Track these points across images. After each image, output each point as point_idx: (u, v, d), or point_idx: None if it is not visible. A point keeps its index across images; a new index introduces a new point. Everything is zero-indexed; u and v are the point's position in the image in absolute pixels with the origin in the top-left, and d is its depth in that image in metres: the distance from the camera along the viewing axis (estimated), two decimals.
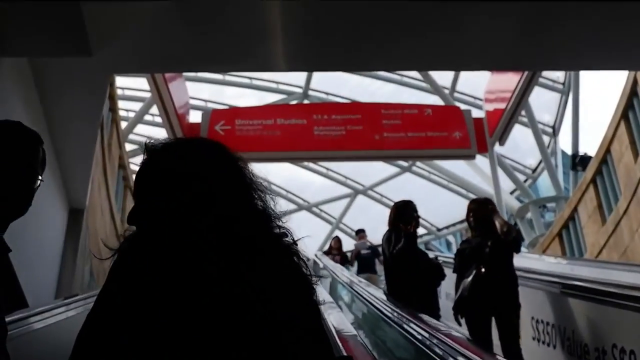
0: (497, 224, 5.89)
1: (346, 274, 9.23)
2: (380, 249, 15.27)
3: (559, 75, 18.44)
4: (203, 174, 1.60)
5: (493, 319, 5.77)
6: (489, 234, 5.80)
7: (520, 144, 20.26)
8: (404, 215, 6.16)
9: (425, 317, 4.32)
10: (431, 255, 7.59)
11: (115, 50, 6.30)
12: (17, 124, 2.28)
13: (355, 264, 14.97)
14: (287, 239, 1.72)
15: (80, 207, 8.41)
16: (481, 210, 6.03)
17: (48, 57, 6.26)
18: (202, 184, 1.59)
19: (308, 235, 1.81)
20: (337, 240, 15.78)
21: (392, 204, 19.70)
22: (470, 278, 5.70)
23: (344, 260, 15.05)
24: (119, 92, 19.31)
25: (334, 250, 15.37)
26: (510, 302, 5.73)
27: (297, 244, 1.73)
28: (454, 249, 38.55)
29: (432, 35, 6.44)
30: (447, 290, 7.57)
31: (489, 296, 5.63)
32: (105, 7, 5.70)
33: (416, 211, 6.28)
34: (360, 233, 15.52)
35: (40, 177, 2.28)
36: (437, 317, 5.83)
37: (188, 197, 1.56)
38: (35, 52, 6.12)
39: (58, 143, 7.33)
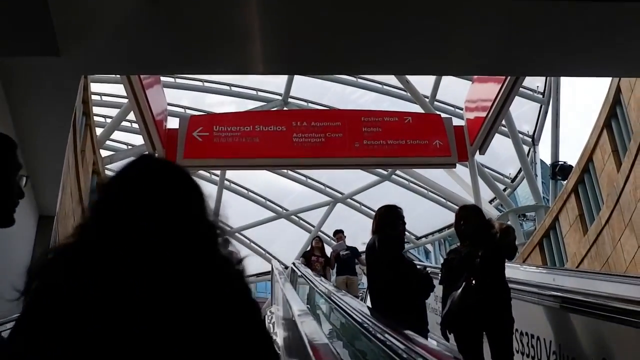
0: (497, 224, 5.63)
1: (325, 284, 8.93)
2: (358, 250, 15.14)
3: (538, 84, 18.35)
4: (148, 209, 1.55)
5: (485, 334, 5.44)
6: (480, 242, 5.49)
7: (499, 154, 20.18)
8: (389, 220, 5.84)
9: (410, 333, 4.05)
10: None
11: (86, 50, 5.98)
12: None
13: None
14: (232, 264, 1.66)
15: (50, 214, 8.10)
16: (474, 217, 5.75)
17: (11, 56, 5.93)
18: (148, 219, 1.54)
19: (247, 255, 1.72)
20: (319, 240, 15.45)
21: (371, 212, 19.65)
22: (459, 290, 5.34)
23: (326, 263, 14.75)
24: (96, 98, 19.06)
25: (317, 252, 15.05)
26: (504, 316, 5.38)
27: (241, 271, 1.67)
28: (433, 257, 38.64)
29: (413, 40, 6.19)
30: (432, 303, 7.24)
31: (480, 310, 5.28)
32: (74, 2, 5.39)
33: (402, 217, 5.95)
34: (338, 234, 15.22)
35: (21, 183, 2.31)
36: (426, 331, 5.50)
37: (129, 229, 1.51)
38: None
39: (27, 148, 7.00)
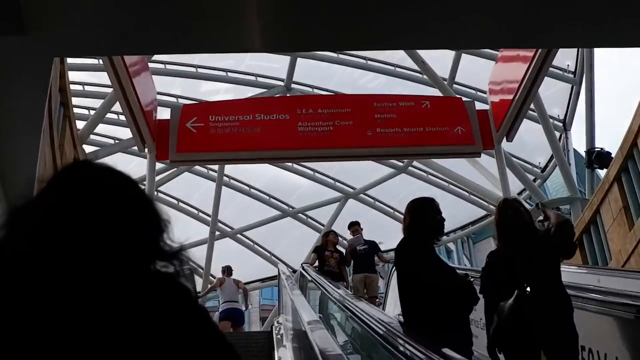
0: (552, 216, 5.22)
1: (339, 291, 8.61)
2: (378, 244, 14.80)
3: (568, 62, 18.01)
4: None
5: (543, 353, 4.99)
6: (527, 241, 5.10)
7: (526, 141, 19.83)
8: (423, 217, 5.39)
9: (450, 352, 3.69)
10: None
11: (57, 28, 5.71)
12: None
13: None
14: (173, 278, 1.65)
15: None
16: (517, 211, 5.38)
17: None
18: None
19: (193, 269, 1.72)
20: (335, 234, 15.09)
21: (387, 208, 19.34)
22: (510, 301, 4.89)
23: (342, 259, 14.40)
24: (77, 88, 18.85)
25: (330, 246, 14.70)
26: (566, 331, 4.93)
27: (184, 287, 1.66)
28: (455, 258, 38.35)
29: (425, 9, 5.87)
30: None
31: (537, 324, 4.82)
32: None
33: (439, 211, 5.48)
34: (353, 226, 14.83)
35: None
36: (470, 352, 5.06)
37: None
38: None
39: None
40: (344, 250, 14.71)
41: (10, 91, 6.29)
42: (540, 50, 12.77)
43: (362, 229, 14.76)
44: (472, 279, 5.43)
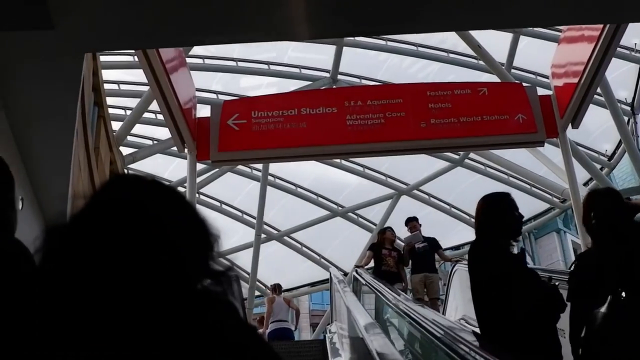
0: None
1: (399, 298, 8.37)
2: (437, 241, 14.52)
3: (636, 41, 17.58)
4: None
5: None
6: (620, 238, 4.69)
7: (589, 127, 19.40)
8: (496, 215, 5.07)
9: None
10: None
11: (86, 19, 5.54)
12: None
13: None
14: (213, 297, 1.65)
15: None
16: (612, 204, 5.03)
17: None
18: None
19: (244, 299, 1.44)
20: (392, 232, 14.83)
21: (443, 205, 19.12)
22: (604, 309, 4.23)
23: (400, 256, 14.13)
24: (112, 87, 18.89)
25: (388, 244, 14.44)
26: None
27: (229, 302, 1.66)
28: None
29: None
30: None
31: (631, 337, 4.15)
32: None
33: (515, 207, 5.16)
34: (411, 222, 14.58)
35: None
36: None
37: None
38: None
39: (24, 148, 6.59)
40: (402, 249, 14.45)
41: (39, 90, 6.15)
42: (607, 28, 12.36)
43: (420, 225, 14.49)
44: (557, 283, 5.08)
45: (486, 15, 6.26)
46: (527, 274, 5.01)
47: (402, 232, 15.21)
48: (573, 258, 36.50)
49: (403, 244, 14.65)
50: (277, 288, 16.70)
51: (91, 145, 9.26)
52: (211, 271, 1.66)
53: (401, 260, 14.09)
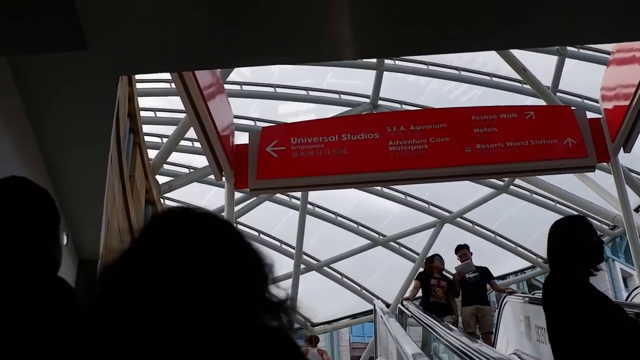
0: None
1: (450, 332, 8.10)
2: (489, 270, 14.15)
3: None
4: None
5: None
6: None
7: (637, 152, 19.03)
8: (576, 243, 4.56)
9: None
10: None
11: (121, 41, 5.38)
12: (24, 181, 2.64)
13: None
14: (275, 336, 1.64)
15: (92, 258, 7.57)
16: None
17: (24, 53, 5.32)
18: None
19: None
20: (441, 259, 14.50)
21: (488, 233, 18.77)
22: None
23: (451, 287, 13.78)
24: (149, 114, 18.88)
25: (436, 273, 14.09)
26: None
27: (291, 342, 1.67)
28: None
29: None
30: None
31: None
32: None
33: (595, 232, 4.71)
34: (461, 250, 14.25)
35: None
36: None
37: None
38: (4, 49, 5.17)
39: (57, 176, 6.43)
40: (451, 277, 14.12)
41: (72, 114, 5.98)
42: None
43: (471, 254, 14.16)
44: None
45: (542, 35, 6.01)
46: (614, 312, 4.44)
47: (449, 261, 14.89)
48: (622, 287, 35.83)
49: (454, 272, 14.34)
50: (313, 339, 16.49)
51: (126, 173, 9.16)
52: (269, 304, 1.65)
53: (451, 290, 13.73)
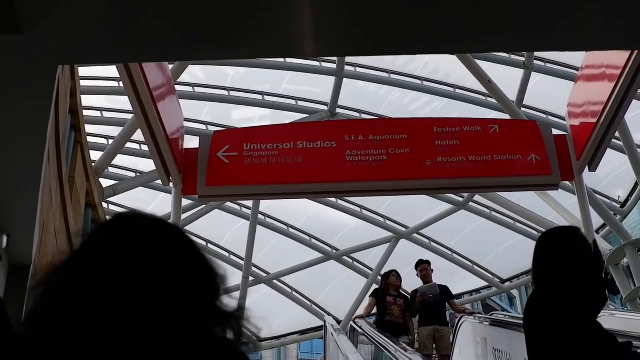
0: None
1: (404, 353, 7.85)
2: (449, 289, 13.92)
3: None
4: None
5: None
6: None
7: (599, 172, 19.09)
8: (567, 259, 4.04)
9: None
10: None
11: (61, 25, 5.03)
12: None
13: None
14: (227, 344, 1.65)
15: (24, 263, 7.22)
16: None
17: None
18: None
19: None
20: (398, 276, 14.21)
21: (444, 250, 18.68)
22: None
23: (408, 305, 13.49)
24: (95, 114, 18.48)
25: (393, 290, 13.80)
26: None
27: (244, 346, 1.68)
28: (519, 305, 37.39)
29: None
30: None
31: None
32: None
33: (586, 245, 4.13)
34: (422, 264, 14.00)
35: None
36: None
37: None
38: None
39: None
40: (408, 295, 13.85)
41: (4, 106, 5.60)
42: (629, 66, 11.97)
43: (432, 271, 13.93)
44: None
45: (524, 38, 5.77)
46: (602, 339, 4.00)
47: (404, 277, 14.64)
48: None
49: (411, 290, 14.08)
50: None
51: (65, 173, 8.77)
52: (220, 315, 1.65)
53: (408, 309, 13.45)
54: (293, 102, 19.98)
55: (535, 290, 4.32)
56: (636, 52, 11.29)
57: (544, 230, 19.08)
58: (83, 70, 17.64)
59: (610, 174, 19.69)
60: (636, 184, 18.20)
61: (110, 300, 1.50)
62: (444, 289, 13.68)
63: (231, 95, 19.85)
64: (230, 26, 5.24)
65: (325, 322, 14.18)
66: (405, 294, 14.24)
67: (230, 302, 1.70)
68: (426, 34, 5.52)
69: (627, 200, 19.65)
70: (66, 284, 1.55)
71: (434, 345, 13.12)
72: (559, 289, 3.97)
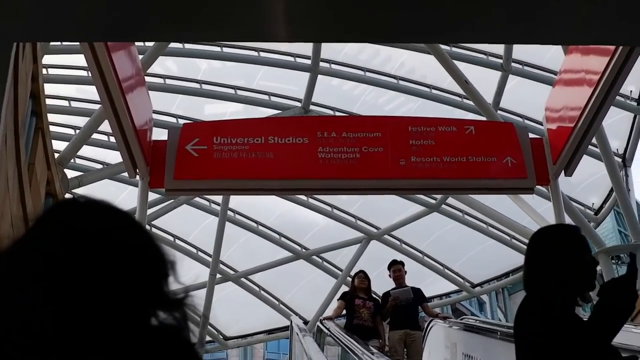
0: None
1: (374, 357, 7.65)
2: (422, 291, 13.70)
3: (632, 88, 17.26)
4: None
5: None
6: None
7: (573, 179, 19.06)
8: (565, 260, 3.75)
9: None
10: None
11: (15, 1, 4.74)
12: None
13: None
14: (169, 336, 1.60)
15: None
16: None
17: None
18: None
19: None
20: (365, 277, 13.93)
21: (416, 253, 18.52)
22: None
23: (378, 308, 13.22)
24: (63, 103, 18.22)
25: (361, 293, 13.54)
26: None
27: (186, 342, 1.64)
28: (488, 310, 37.39)
29: None
30: None
31: None
32: None
33: (589, 249, 3.94)
34: (395, 265, 13.75)
35: None
36: None
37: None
38: None
39: None
40: (379, 298, 13.61)
41: None
42: (608, 71, 11.85)
43: (406, 273, 13.69)
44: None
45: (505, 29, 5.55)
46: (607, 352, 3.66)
47: (374, 279, 14.42)
48: None
49: (382, 293, 13.85)
50: None
51: (24, 159, 8.45)
52: (166, 302, 1.62)
53: (378, 312, 13.19)
54: (266, 97, 19.80)
55: (531, 296, 3.92)
56: (616, 57, 11.19)
57: (516, 235, 19.20)
58: (51, 58, 17.38)
59: (584, 180, 19.65)
60: (611, 190, 18.10)
61: (46, 284, 1.48)
62: (417, 292, 13.44)
63: (203, 88, 19.64)
64: (198, 5, 4.99)
65: (291, 321, 13.97)
66: (375, 297, 13.98)
67: (177, 289, 1.66)
68: (402, 20, 5.29)
69: (601, 207, 19.61)
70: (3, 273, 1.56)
71: (405, 350, 12.88)
72: (561, 296, 3.71)
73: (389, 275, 13.88)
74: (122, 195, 21.36)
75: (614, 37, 6.01)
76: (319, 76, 18.79)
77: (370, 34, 5.85)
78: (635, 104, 17.39)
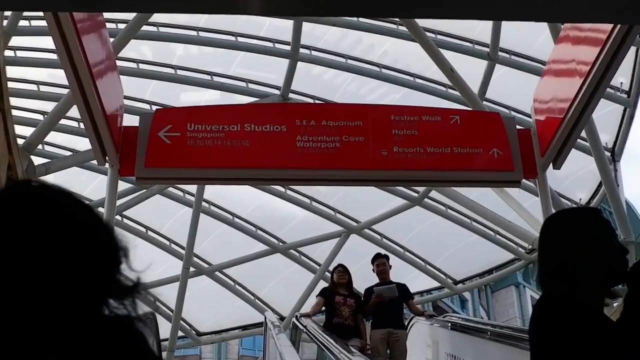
0: None
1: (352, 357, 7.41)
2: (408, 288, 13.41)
3: (622, 80, 17.09)
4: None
5: None
6: None
7: (559, 173, 18.91)
8: (589, 247, 3.24)
9: None
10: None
11: None
12: None
13: None
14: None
15: None
16: None
17: None
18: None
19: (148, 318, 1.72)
20: (344, 272, 13.58)
21: (397, 248, 18.20)
22: None
23: (360, 304, 12.89)
24: (31, 87, 17.97)
25: (341, 289, 13.20)
26: None
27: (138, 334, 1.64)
28: (470, 308, 37.35)
29: None
30: None
31: None
32: None
33: (615, 234, 3.44)
34: (379, 259, 13.43)
35: None
36: None
37: None
38: None
39: None
40: (360, 295, 13.29)
41: None
42: (599, 62, 11.65)
43: (390, 267, 13.38)
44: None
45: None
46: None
47: (376, 269, 14.14)
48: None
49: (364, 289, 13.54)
50: None
51: None
52: (119, 290, 1.63)
53: (359, 310, 12.84)
54: (244, 84, 19.53)
55: (547, 295, 3.39)
56: (607, 46, 11.04)
57: (501, 230, 19.02)
58: (20, 40, 17.03)
59: (572, 175, 19.50)
60: (599, 185, 17.94)
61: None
62: (402, 288, 13.13)
63: (178, 74, 19.36)
64: None
65: (265, 317, 13.68)
66: (357, 293, 13.66)
67: (131, 276, 1.66)
68: None
69: (588, 202, 19.42)
70: None
71: (388, 351, 12.54)
72: (584, 294, 3.30)
73: (373, 270, 13.58)
74: (93, 185, 21.08)
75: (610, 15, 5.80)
76: (300, 65, 18.57)
77: (349, 8, 5.55)
78: (625, 96, 17.26)
